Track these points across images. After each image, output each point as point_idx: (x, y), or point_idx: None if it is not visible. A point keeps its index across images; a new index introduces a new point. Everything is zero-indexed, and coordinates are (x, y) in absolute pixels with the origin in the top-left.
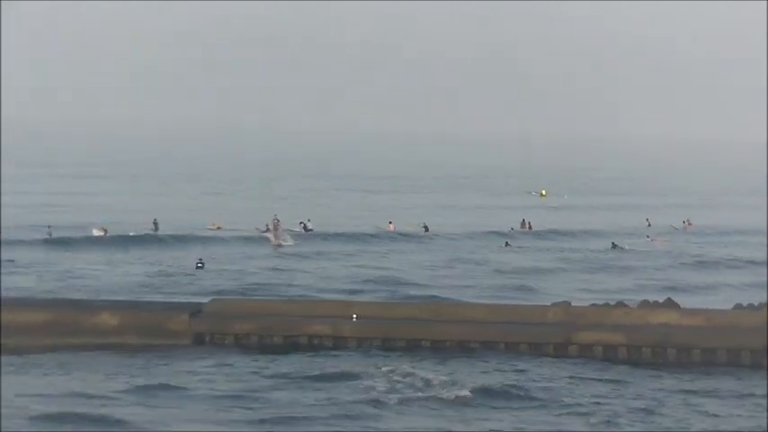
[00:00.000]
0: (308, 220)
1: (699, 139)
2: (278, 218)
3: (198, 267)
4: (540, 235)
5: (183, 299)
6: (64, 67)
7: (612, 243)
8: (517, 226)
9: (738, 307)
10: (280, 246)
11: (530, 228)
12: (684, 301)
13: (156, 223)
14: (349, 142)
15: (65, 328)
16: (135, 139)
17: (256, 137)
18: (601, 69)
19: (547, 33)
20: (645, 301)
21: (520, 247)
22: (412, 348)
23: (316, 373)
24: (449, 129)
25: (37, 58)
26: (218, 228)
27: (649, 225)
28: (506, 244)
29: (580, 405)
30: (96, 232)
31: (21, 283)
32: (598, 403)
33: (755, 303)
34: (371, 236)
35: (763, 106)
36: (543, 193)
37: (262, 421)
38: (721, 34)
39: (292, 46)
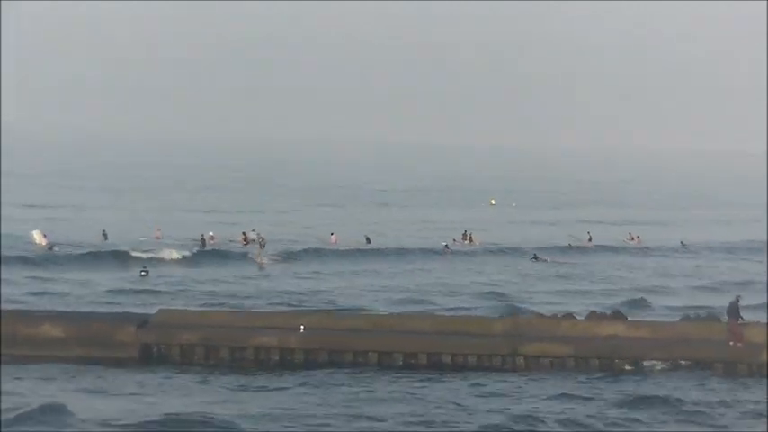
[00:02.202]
0: (252, 230)
1: (700, 150)
2: (262, 235)
3: (142, 275)
4: (486, 247)
5: (129, 309)
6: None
7: (534, 255)
8: (459, 238)
9: (686, 318)
10: (263, 263)
11: (470, 240)
12: None
13: (105, 234)
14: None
15: (4, 339)
16: (123, 147)
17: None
18: (601, 70)
19: (547, 33)
20: (592, 312)
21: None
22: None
23: None
24: (441, 138)
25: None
26: (158, 237)
27: (590, 239)
28: (445, 246)
29: None
30: (38, 237)
31: None
32: None
33: (702, 314)
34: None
35: (763, 111)
36: (492, 202)
37: None
38: (721, 34)
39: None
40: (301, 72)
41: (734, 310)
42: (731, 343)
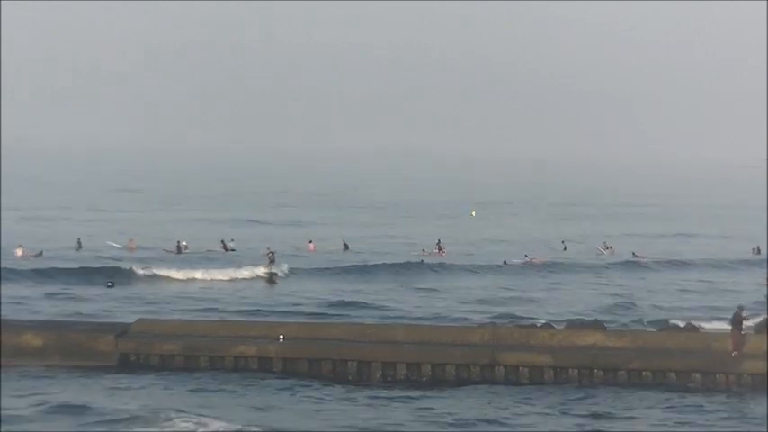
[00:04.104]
0: (231, 240)
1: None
2: (271, 249)
3: (108, 287)
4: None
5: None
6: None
7: (504, 261)
8: (431, 248)
9: (665, 329)
10: (275, 278)
11: (440, 250)
12: None
13: (79, 242)
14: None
15: None
16: (120, 156)
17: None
18: (601, 71)
19: (546, 34)
20: (571, 321)
21: None
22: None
23: None
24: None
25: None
26: (132, 248)
27: (565, 248)
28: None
29: None
30: (19, 252)
31: None
32: None
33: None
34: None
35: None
36: (473, 214)
37: None
38: (721, 35)
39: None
40: (301, 75)
41: (737, 320)
42: (734, 353)
